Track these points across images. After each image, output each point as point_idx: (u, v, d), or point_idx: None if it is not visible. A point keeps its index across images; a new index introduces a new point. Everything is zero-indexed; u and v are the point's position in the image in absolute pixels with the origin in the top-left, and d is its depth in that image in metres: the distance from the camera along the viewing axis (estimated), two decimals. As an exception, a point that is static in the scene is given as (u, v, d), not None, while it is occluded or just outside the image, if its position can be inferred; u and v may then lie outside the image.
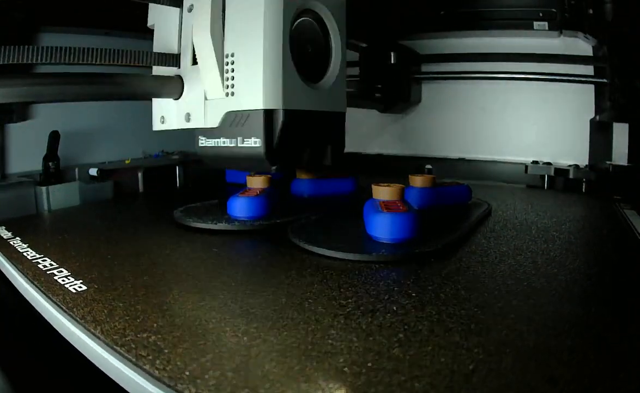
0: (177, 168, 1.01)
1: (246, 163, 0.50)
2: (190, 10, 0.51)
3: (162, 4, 0.53)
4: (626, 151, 0.88)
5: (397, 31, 1.00)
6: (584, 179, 0.92)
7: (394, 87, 0.97)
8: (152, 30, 0.59)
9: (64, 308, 0.36)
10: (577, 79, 0.93)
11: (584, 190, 0.92)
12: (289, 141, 0.49)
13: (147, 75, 0.55)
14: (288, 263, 0.46)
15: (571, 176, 0.93)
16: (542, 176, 0.96)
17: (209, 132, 0.51)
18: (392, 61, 0.94)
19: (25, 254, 0.50)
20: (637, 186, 0.84)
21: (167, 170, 1.00)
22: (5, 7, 0.78)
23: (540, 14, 0.92)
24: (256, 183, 0.65)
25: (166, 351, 0.30)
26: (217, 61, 0.48)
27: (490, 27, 0.98)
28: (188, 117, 0.52)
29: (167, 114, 0.55)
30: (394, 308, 0.36)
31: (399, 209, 0.50)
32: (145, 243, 0.55)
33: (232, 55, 0.48)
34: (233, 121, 0.49)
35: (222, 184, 0.99)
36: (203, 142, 0.52)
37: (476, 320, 0.34)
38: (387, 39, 0.98)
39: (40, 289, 0.40)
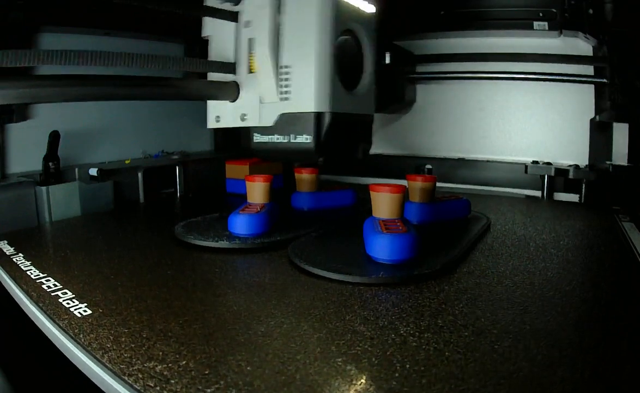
0: (177, 168, 1.01)
1: (297, 155, 0.58)
2: (247, 25, 0.59)
3: (223, 19, 0.60)
4: (626, 151, 0.89)
5: (395, 31, 1.00)
6: (584, 179, 0.92)
7: (388, 87, 0.97)
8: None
9: (71, 334, 0.37)
10: (577, 79, 0.93)
11: (583, 190, 0.92)
12: (332, 138, 0.56)
13: (206, 80, 0.63)
14: (289, 286, 0.47)
15: (571, 176, 0.93)
16: (542, 176, 0.96)
17: (263, 130, 0.59)
18: (387, 61, 0.94)
19: (28, 273, 0.50)
20: (637, 187, 0.84)
21: (167, 170, 1.00)
22: (6, 7, 0.78)
23: (540, 14, 0.92)
24: (257, 197, 0.66)
25: (172, 381, 0.30)
26: (275, 71, 0.57)
27: (490, 27, 0.98)
28: (243, 117, 0.60)
29: (222, 114, 0.63)
30: (392, 335, 0.36)
31: (399, 229, 0.50)
32: (147, 262, 0.55)
33: (288, 66, 0.56)
34: (287, 121, 0.57)
35: (222, 193, 1.00)
36: (258, 138, 0.60)
37: (472, 348, 0.34)
38: (382, 39, 0.98)
39: (45, 312, 0.41)
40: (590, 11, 0.89)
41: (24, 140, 0.84)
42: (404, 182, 0.65)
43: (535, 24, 0.93)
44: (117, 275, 0.50)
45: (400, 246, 0.49)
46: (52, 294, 0.44)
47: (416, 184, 0.67)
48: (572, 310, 0.41)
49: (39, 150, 0.80)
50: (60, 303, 0.42)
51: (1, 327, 0.54)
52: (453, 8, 0.99)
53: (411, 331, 0.37)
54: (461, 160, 1.07)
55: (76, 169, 0.85)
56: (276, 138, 0.58)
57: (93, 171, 0.86)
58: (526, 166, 0.97)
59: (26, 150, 0.84)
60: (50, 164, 0.80)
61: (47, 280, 0.48)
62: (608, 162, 0.89)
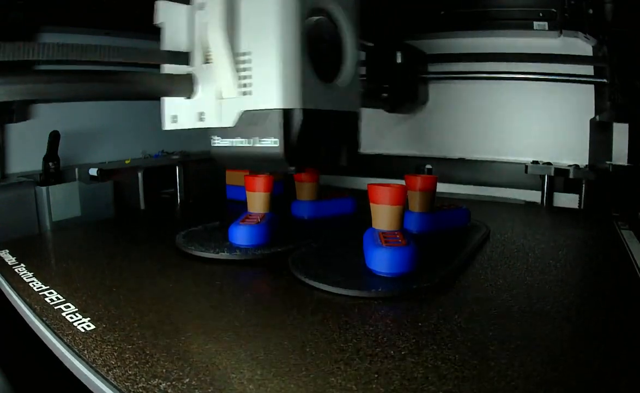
0: (177, 168, 1.01)
1: (263, 163, 0.50)
2: (201, 7, 0.50)
3: (176, 0, 0.53)
4: (626, 151, 0.89)
5: (401, 31, 0.99)
6: (584, 179, 0.93)
7: (401, 87, 0.96)
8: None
9: (75, 350, 0.37)
10: (577, 79, 0.93)
11: (584, 190, 0.93)
12: (306, 141, 0.48)
13: (158, 73, 0.54)
14: (290, 300, 0.47)
15: (571, 176, 0.93)
16: (542, 176, 0.96)
17: (223, 132, 0.50)
18: (399, 61, 0.93)
19: (31, 285, 0.51)
20: (637, 187, 0.85)
21: (167, 170, 1.00)
22: (6, 7, 0.77)
23: (540, 14, 0.92)
24: (257, 207, 0.65)
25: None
26: (231, 60, 0.48)
27: (490, 27, 0.97)
28: (201, 117, 0.51)
29: (179, 113, 0.54)
30: (392, 352, 0.37)
31: (398, 242, 0.51)
32: (148, 274, 0.55)
33: (248, 53, 0.47)
34: (250, 121, 0.48)
35: (222, 197, 1.00)
36: (217, 142, 0.52)
37: (469, 366, 0.35)
38: (393, 38, 0.98)
39: (49, 327, 0.41)
40: (590, 11, 0.88)
41: (24, 140, 0.84)
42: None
43: (535, 24, 0.92)
44: (119, 288, 0.50)
45: (399, 260, 0.49)
46: (55, 307, 0.45)
47: (415, 194, 0.67)
48: (568, 325, 0.42)
49: (39, 150, 0.80)
50: (64, 317, 0.43)
51: (1, 327, 0.55)
52: (453, 8, 0.99)
53: (410, 348, 0.37)
54: (461, 160, 1.07)
55: (76, 169, 0.86)
56: (238, 142, 0.49)
57: (93, 171, 0.87)
58: (526, 166, 0.97)
59: (26, 150, 0.84)
60: (50, 164, 0.80)
61: (49, 293, 0.48)
62: (608, 162, 0.89)
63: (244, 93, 0.48)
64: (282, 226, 0.67)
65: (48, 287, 0.50)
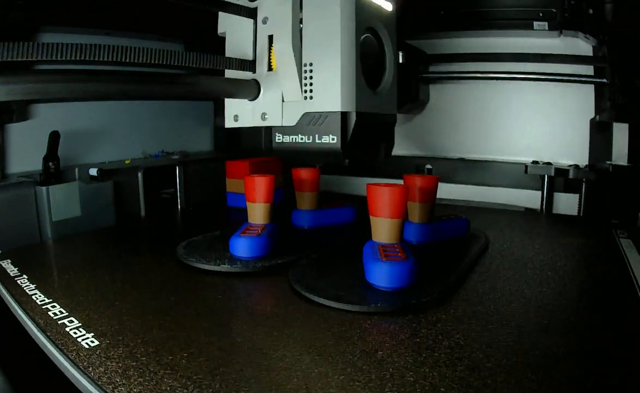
0: (177, 168, 1.01)
1: (322, 156, 0.57)
2: (264, 22, 0.58)
3: (240, 15, 0.59)
4: (626, 151, 0.89)
5: (401, 31, 0.99)
6: (584, 179, 0.93)
7: (403, 87, 0.96)
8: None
9: (80, 366, 0.38)
10: (577, 79, 0.93)
11: (584, 190, 0.93)
12: (358, 138, 0.56)
13: (225, 77, 0.62)
14: (290, 315, 0.48)
15: (571, 176, 0.93)
16: (542, 176, 0.97)
17: (285, 130, 0.59)
18: (400, 61, 0.93)
19: (34, 297, 0.51)
20: (637, 187, 0.85)
21: (167, 170, 1.00)
22: (6, 7, 0.77)
23: (540, 14, 0.92)
24: (257, 218, 0.65)
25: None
26: (297, 69, 0.56)
27: (490, 27, 0.97)
28: (264, 117, 0.60)
29: (241, 113, 0.62)
30: (391, 370, 0.37)
31: (398, 256, 0.51)
32: (150, 287, 0.55)
33: (311, 64, 0.56)
34: (310, 121, 0.56)
35: (222, 202, 1.00)
36: (280, 138, 0.59)
37: (466, 384, 0.35)
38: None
39: (54, 343, 0.41)
40: (590, 11, 0.88)
41: (24, 140, 0.84)
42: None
43: (535, 24, 0.92)
44: (122, 302, 0.50)
45: (398, 274, 0.49)
46: (59, 322, 0.45)
47: (415, 205, 0.67)
48: (564, 341, 0.42)
49: (39, 150, 0.81)
50: (68, 332, 0.43)
51: (1, 327, 0.55)
52: (452, 8, 0.98)
53: (408, 365, 0.38)
54: (461, 160, 1.07)
55: (76, 169, 0.86)
56: (299, 138, 0.57)
57: (93, 171, 0.87)
58: (526, 166, 0.97)
59: (26, 150, 0.84)
60: (50, 164, 0.80)
61: (52, 306, 0.49)
62: (608, 162, 0.89)
63: (306, 97, 0.57)
64: (283, 236, 0.68)
65: (51, 300, 0.50)
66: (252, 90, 0.59)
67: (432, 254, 0.64)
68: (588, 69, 0.93)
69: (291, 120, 0.58)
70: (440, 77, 1.07)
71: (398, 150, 1.15)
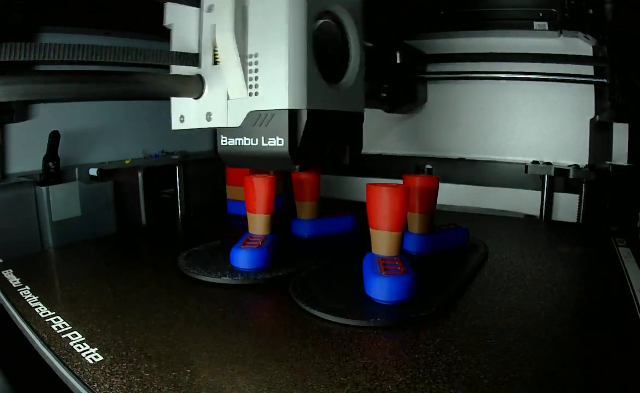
0: (177, 168, 1.01)
1: (269, 162, 0.51)
2: (209, 10, 0.51)
3: (181, 3, 0.54)
4: (626, 151, 0.89)
5: (401, 31, 1.00)
6: (584, 179, 0.93)
7: (400, 87, 0.97)
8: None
9: (85, 382, 0.38)
10: (577, 79, 0.93)
11: (584, 190, 0.93)
12: (311, 140, 0.50)
13: (166, 74, 0.55)
14: (291, 329, 0.47)
15: (571, 176, 0.93)
16: (542, 176, 0.96)
17: (231, 132, 0.52)
18: (398, 61, 0.93)
19: (37, 310, 0.51)
20: (637, 187, 0.85)
21: (167, 170, 1.00)
22: (6, 7, 0.78)
23: (540, 14, 0.92)
24: (258, 228, 0.65)
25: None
26: (240, 61, 0.49)
27: (490, 27, 0.97)
28: (209, 117, 0.53)
29: (186, 113, 0.55)
30: (389, 387, 0.37)
31: (397, 270, 0.51)
32: (152, 300, 0.55)
33: (256, 55, 0.49)
34: (256, 121, 0.50)
35: (222, 207, 1.00)
36: (225, 141, 0.53)
37: (463, 401, 0.35)
38: (393, 38, 0.98)
39: (58, 357, 0.41)
40: (590, 11, 0.89)
41: (24, 140, 0.84)
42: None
43: (535, 24, 0.92)
44: (125, 315, 0.50)
45: (398, 289, 0.49)
46: (63, 336, 0.45)
47: (415, 215, 0.67)
48: (560, 357, 0.42)
49: (39, 150, 0.80)
50: (72, 347, 0.43)
51: (1, 327, 0.54)
52: (452, 8, 0.99)
53: (407, 381, 0.38)
54: (461, 160, 1.07)
55: (76, 169, 0.86)
56: (245, 141, 0.51)
57: (93, 171, 0.87)
58: (526, 166, 0.97)
59: (26, 150, 0.84)
60: (50, 164, 0.80)
61: (56, 320, 0.48)
62: (608, 162, 0.89)
63: (251, 94, 0.50)
64: (283, 245, 0.67)
65: (54, 313, 0.50)
66: (195, 87, 0.53)
67: (432, 265, 0.64)
68: (588, 69, 0.93)
69: (236, 120, 0.51)
70: (440, 77, 1.07)
71: (398, 150, 1.16)
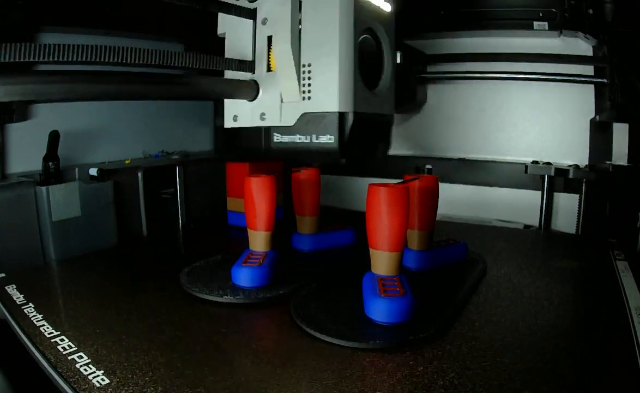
0: (177, 168, 1.00)
1: (319, 155, 0.58)
2: (264, 23, 0.59)
3: (239, 16, 0.59)
4: (626, 151, 0.89)
5: (400, 31, 1.00)
6: (584, 179, 0.93)
7: (400, 87, 0.97)
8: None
9: None
10: (577, 79, 0.93)
11: (584, 190, 0.93)
12: (355, 138, 0.57)
13: (224, 78, 0.62)
14: (292, 351, 0.48)
15: (571, 176, 0.93)
16: (542, 176, 0.97)
17: (284, 130, 0.59)
18: (398, 61, 0.94)
19: (42, 330, 0.51)
20: (637, 187, 0.85)
21: (167, 170, 1.00)
22: (6, 7, 0.78)
23: (540, 14, 0.92)
24: (259, 245, 0.65)
25: None
26: (295, 70, 0.56)
27: (490, 27, 0.98)
28: (263, 117, 0.60)
29: (240, 113, 0.63)
30: None
31: (397, 291, 0.51)
32: (155, 320, 0.55)
33: (309, 65, 0.56)
34: (309, 121, 0.57)
35: (222, 212, 1.00)
36: (278, 138, 0.60)
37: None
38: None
39: (67, 381, 0.42)
40: (590, 11, 0.89)
41: (24, 140, 0.84)
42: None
43: (535, 24, 0.93)
44: (128, 335, 0.50)
45: (397, 310, 0.50)
46: (69, 357, 0.45)
47: (414, 232, 0.67)
48: (557, 379, 0.43)
49: (39, 150, 0.80)
50: (78, 369, 0.43)
51: (1, 328, 0.54)
52: (452, 8, 0.99)
53: None
54: (461, 160, 1.07)
55: (76, 169, 0.85)
56: (297, 138, 0.58)
57: (93, 171, 0.86)
58: (526, 166, 0.97)
59: (26, 150, 0.84)
60: (50, 164, 0.80)
61: (61, 340, 0.48)
62: (608, 162, 0.89)
63: (304, 98, 0.57)
64: (284, 260, 0.68)
65: (59, 333, 0.50)
66: (251, 90, 0.60)
67: (431, 281, 0.64)
68: (588, 69, 0.94)
69: (289, 120, 0.58)
70: (440, 77, 1.07)
71: (398, 150, 1.16)
